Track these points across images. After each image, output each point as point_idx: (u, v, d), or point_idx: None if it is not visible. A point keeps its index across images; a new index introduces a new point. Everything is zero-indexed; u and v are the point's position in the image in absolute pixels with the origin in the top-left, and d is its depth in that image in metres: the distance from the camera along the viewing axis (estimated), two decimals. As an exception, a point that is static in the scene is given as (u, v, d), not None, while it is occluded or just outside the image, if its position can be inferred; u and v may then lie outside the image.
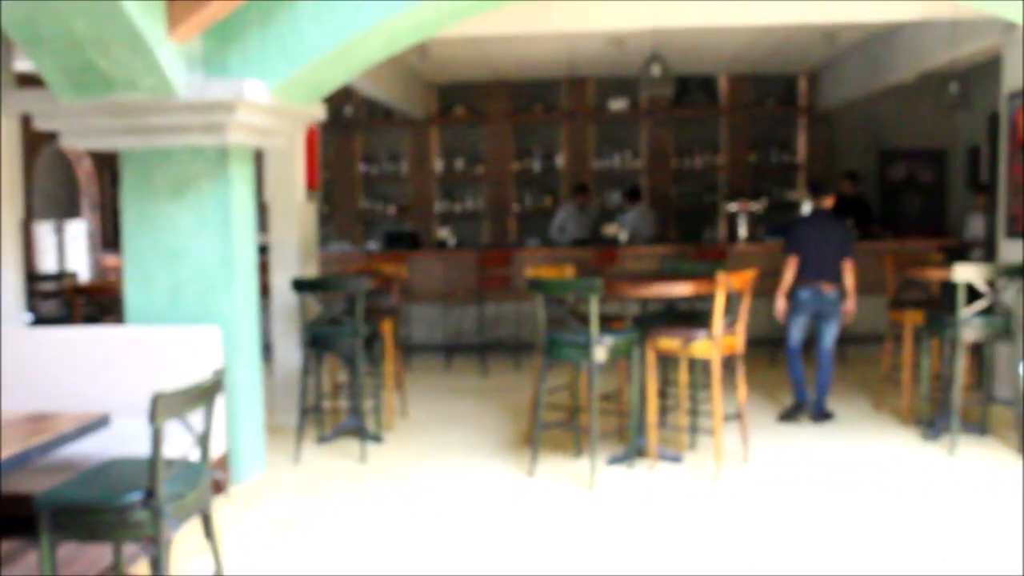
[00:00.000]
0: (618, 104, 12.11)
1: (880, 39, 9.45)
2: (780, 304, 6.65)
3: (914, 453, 5.82)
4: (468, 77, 11.83)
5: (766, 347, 9.18)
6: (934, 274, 6.27)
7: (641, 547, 4.35)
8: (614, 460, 5.63)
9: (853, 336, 9.32)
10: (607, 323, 5.54)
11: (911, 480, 5.31)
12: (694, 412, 5.97)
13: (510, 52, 10.24)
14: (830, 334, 6.63)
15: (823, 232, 6.68)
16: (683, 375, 5.78)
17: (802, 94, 12.07)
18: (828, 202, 6.80)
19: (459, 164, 12.40)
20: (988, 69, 7.69)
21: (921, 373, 6.17)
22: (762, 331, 9.20)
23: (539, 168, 12.30)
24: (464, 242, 11.15)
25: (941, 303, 6.42)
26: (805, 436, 6.26)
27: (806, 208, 9.34)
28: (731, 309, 5.27)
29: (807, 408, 6.66)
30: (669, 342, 5.28)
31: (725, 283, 5.02)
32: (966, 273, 5.59)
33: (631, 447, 5.56)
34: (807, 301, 6.60)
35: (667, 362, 6.11)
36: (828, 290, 6.54)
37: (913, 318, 6.39)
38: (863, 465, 5.61)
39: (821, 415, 6.61)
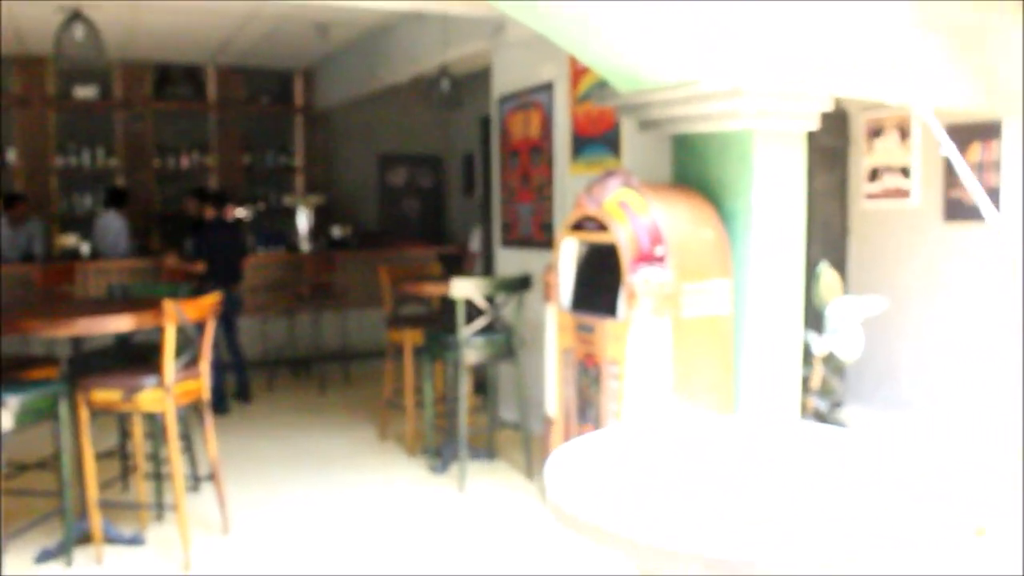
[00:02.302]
0: (86, 91, 10.27)
1: (374, 37, 8.89)
2: None
3: (423, 490, 5.16)
4: None
5: (265, 369, 8.17)
6: (431, 289, 5.64)
7: None
8: (45, 555, 4.18)
9: (356, 352, 8.66)
10: (23, 371, 4.10)
11: (421, 524, 4.63)
12: (158, 476, 4.72)
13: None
14: (237, 328, 7.41)
15: (229, 238, 7.35)
16: (137, 431, 4.50)
17: (298, 92, 11.23)
18: (230, 212, 7.55)
19: None
20: (482, 75, 7.44)
21: (424, 398, 5.54)
22: (275, 350, 8.21)
23: (-16, 165, 10.02)
24: None
25: (441, 319, 5.86)
26: (301, 483, 5.32)
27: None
28: (189, 345, 4.11)
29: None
30: (106, 394, 3.97)
31: (174, 314, 3.85)
32: (464, 288, 5.01)
33: (69, 534, 4.15)
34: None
35: (123, 415, 4.79)
36: (236, 290, 7.26)
37: (412, 337, 5.77)
38: (367, 512, 4.81)
39: (247, 398, 7.47)
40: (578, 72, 5.61)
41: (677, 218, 4.21)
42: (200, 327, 4.16)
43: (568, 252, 4.64)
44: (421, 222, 11.82)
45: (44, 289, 7.20)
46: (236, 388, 7.46)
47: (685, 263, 4.14)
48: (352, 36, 9.10)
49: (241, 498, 4.93)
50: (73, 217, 10.15)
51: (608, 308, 4.29)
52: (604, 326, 4.27)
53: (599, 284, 4.46)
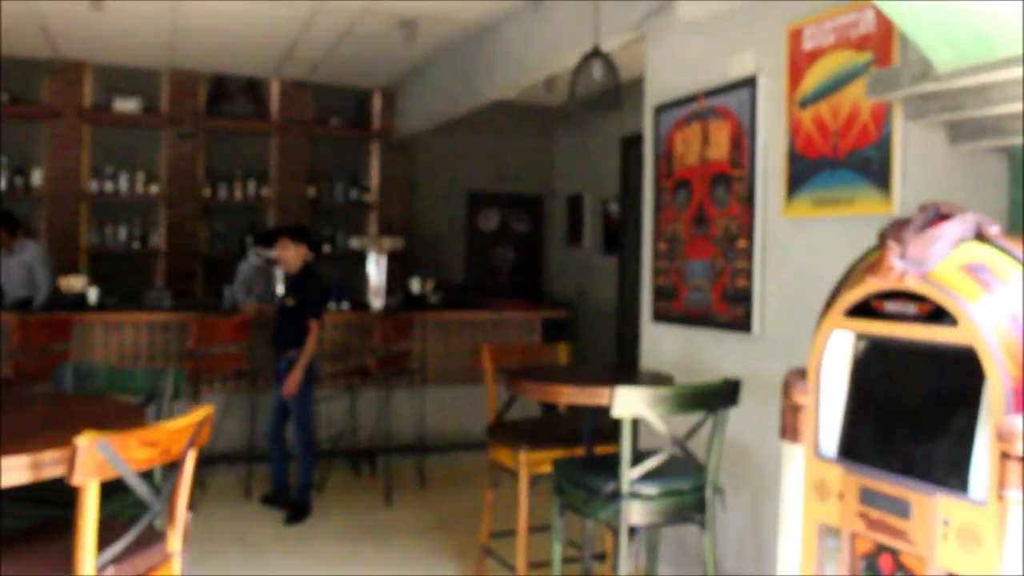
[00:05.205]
0: (128, 104, 8.61)
1: (473, 41, 7.05)
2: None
3: None
4: None
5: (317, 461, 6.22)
6: (571, 396, 3.56)
7: None
8: None
9: (434, 443, 6.68)
10: None
11: None
12: None
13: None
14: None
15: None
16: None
17: (376, 114, 9.42)
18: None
19: None
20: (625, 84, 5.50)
21: (552, 559, 3.50)
22: (330, 438, 6.23)
23: (3, 186, 8.35)
24: None
25: (575, 432, 3.84)
26: None
27: (255, 260, 7.18)
28: (143, 508, 2.15)
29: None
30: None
31: (96, 461, 1.88)
32: (631, 403, 2.98)
33: None
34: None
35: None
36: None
37: (531, 462, 3.74)
38: None
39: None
40: (801, 58, 3.61)
41: (1089, 303, 2.15)
42: (174, 466, 2.20)
43: (837, 354, 2.59)
44: (513, 276, 9.84)
45: (25, 347, 5.33)
46: (275, 491, 5.60)
47: (1116, 395, 2.07)
48: (444, 40, 7.26)
49: None
50: (102, 253, 8.45)
51: (938, 471, 2.23)
52: (932, 506, 2.20)
53: (910, 420, 2.41)
